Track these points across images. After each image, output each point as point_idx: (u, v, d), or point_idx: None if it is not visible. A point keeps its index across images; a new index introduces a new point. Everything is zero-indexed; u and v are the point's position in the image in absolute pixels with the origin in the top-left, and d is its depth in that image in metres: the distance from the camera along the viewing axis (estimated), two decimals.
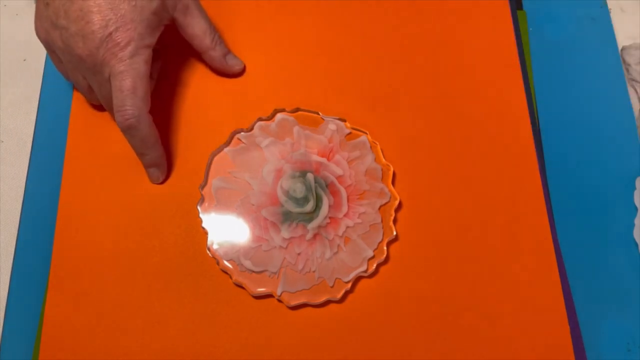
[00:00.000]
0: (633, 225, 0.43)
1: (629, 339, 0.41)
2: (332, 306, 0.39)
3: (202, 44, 0.42)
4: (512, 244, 0.40)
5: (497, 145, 0.43)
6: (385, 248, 0.40)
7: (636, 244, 0.43)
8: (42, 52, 0.47)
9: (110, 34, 0.37)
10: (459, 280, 0.40)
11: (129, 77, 0.37)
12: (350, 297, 0.39)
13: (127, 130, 0.38)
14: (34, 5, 0.50)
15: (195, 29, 0.42)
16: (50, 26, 0.39)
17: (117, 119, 0.38)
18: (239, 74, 0.44)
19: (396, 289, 0.39)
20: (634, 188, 0.44)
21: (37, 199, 0.44)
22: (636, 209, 0.44)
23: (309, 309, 0.39)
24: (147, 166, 0.41)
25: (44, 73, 0.47)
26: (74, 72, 0.40)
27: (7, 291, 0.41)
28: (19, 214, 0.43)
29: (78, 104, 0.44)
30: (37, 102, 0.47)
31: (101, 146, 0.43)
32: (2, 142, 0.46)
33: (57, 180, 0.43)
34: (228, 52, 0.44)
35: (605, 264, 0.42)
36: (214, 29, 0.43)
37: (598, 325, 0.40)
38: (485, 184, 0.42)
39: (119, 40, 0.37)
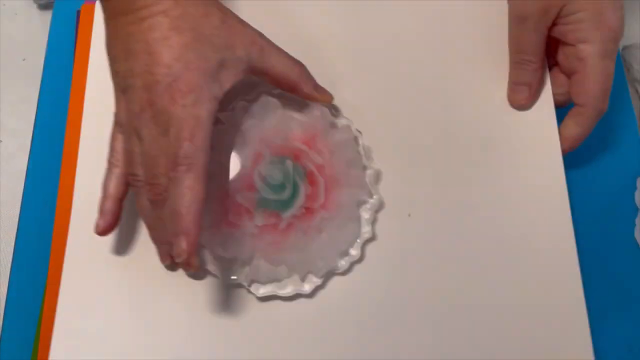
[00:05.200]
0: (634, 225, 0.43)
1: (630, 338, 0.40)
2: (301, 300, 0.39)
3: (289, 82, 0.40)
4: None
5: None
6: (360, 246, 0.39)
7: (637, 244, 0.43)
8: (42, 52, 0.48)
9: (173, 82, 0.35)
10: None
11: (187, 125, 0.35)
12: (321, 292, 0.39)
13: (174, 181, 0.35)
14: (33, 5, 0.50)
15: (278, 67, 0.39)
16: (121, 94, 0.37)
17: (169, 168, 0.35)
18: (330, 102, 0.42)
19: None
20: (634, 188, 0.44)
21: (36, 199, 0.44)
22: (637, 209, 0.44)
23: (278, 301, 0.39)
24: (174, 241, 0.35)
25: (43, 73, 0.48)
26: (128, 133, 0.37)
27: (6, 291, 0.41)
28: (19, 214, 0.43)
29: (76, 104, 0.44)
30: (37, 102, 0.47)
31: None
32: (2, 142, 0.46)
33: (56, 180, 0.43)
34: (315, 82, 0.41)
35: (606, 264, 0.42)
36: (294, 59, 0.40)
37: (599, 325, 0.40)
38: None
39: (180, 87, 0.35)
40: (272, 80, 0.40)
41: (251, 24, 0.40)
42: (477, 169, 0.42)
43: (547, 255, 0.40)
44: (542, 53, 0.42)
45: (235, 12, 0.39)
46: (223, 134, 0.40)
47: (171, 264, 0.38)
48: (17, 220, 0.44)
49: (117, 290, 0.39)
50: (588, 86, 0.40)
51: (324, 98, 0.41)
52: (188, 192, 0.34)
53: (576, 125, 0.41)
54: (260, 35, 0.39)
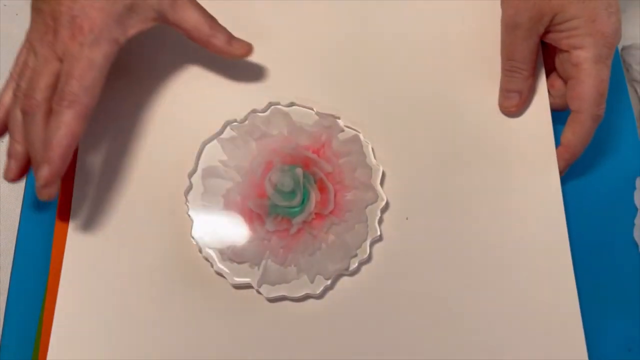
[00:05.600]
0: (633, 225, 0.43)
1: (629, 338, 0.40)
2: (311, 301, 0.39)
3: (200, 36, 0.40)
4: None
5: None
6: (368, 247, 0.40)
7: (636, 244, 0.43)
8: None
9: (75, 17, 0.36)
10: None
11: (79, 65, 0.36)
12: (330, 293, 0.39)
13: (55, 113, 0.36)
14: None
15: (190, 21, 0.40)
16: (34, 13, 0.38)
17: (54, 100, 0.36)
18: (248, 54, 0.42)
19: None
20: (634, 188, 0.44)
21: (37, 199, 0.43)
22: (636, 209, 0.44)
23: (288, 302, 0.39)
24: (38, 169, 0.36)
25: None
26: (30, 49, 0.39)
27: (7, 291, 0.41)
28: (19, 214, 0.43)
29: None
30: None
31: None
32: (2, 142, 0.46)
33: None
34: (231, 36, 0.41)
35: (605, 264, 0.42)
36: (209, 15, 0.40)
37: (598, 325, 0.40)
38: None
39: (81, 25, 0.36)
40: (185, 33, 0.40)
41: (253, 26, 0.40)
42: (475, 172, 0.42)
43: (542, 257, 0.40)
44: (533, 61, 0.43)
45: (240, 11, 0.40)
46: (236, 143, 0.42)
47: (12, 179, 0.39)
48: (18, 220, 0.44)
49: (120, 291, 0.39)
50: (581, 91, 0.40)
51: (239, 51, 0.41)
52: (64, 127, 0.36)
53: (573, 133, 0.41)
54: None
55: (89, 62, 0.36)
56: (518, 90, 0.43)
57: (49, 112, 0.37)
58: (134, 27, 0.38)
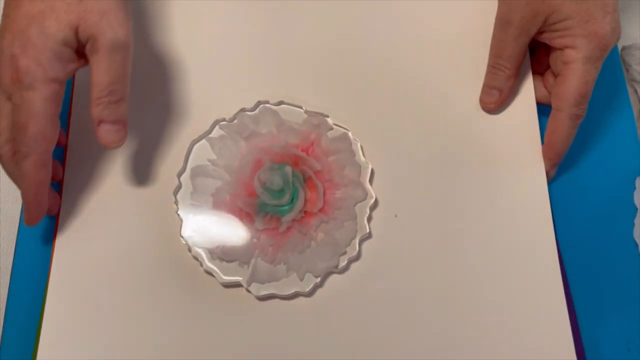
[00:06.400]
0: (633, 225, 0.43)
1: (629, 338, 0.40)
2: (300, 299, 0.39)
3: (90, 94, 0.36)
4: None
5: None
6: (357, 245, 0.40)
7: (636, 244, 0.42)
8: None
9: (14, 56, 0.34)
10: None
11: (22, 113, 0.34)
12: (320, 291, 0.39)
13: (18, 164, 0.36)
14: None
15: (93, 75, 0.36)
16: None
17: (14, 148, 0.36)
18: (110, 146, 0.37)
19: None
20: (634, 188, 0.44)
21: None
22: (636, 209, 0.43)
23: (278, 300, 0.39)
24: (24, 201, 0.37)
25: None
26: None
27: (7, 291, 0.42)
28: (19, 214, 0.44)
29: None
30: None
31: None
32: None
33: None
34: (105, 119, 0.36)
35: (605, 264, 0.42)
36: (115, 84, 0.36)
37: (598, 325, 0.40)
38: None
39: (20, 66, 0.34)
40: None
41: (243, 25, 0.40)
42: (463, 169, 0.42)
43: (529, 250, 0.40)
44: (518, 62, 0.43)
45: (232, 11, 0.40)
46: (225, 142, 0.42)
47: None
48: (18, 220, 0.44)
49: (109, 291, 0.40)
50: (564, 89, 0.40)
51: (102, 139, 0.37)
52: (26, 178, 0.36)
53: (552, 131, 0.41)
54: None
55: (28, 109, 0.34)
56: (499, 88, 0.43)
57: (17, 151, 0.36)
58: (76, 63, 0.36)
